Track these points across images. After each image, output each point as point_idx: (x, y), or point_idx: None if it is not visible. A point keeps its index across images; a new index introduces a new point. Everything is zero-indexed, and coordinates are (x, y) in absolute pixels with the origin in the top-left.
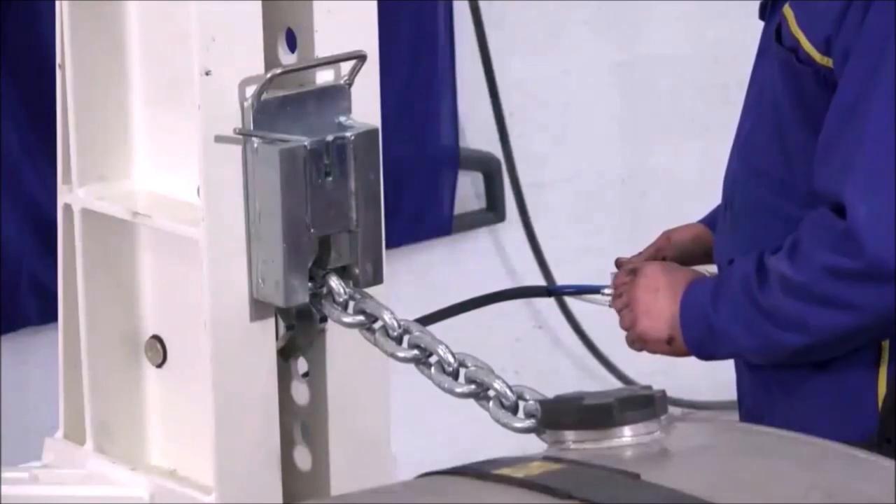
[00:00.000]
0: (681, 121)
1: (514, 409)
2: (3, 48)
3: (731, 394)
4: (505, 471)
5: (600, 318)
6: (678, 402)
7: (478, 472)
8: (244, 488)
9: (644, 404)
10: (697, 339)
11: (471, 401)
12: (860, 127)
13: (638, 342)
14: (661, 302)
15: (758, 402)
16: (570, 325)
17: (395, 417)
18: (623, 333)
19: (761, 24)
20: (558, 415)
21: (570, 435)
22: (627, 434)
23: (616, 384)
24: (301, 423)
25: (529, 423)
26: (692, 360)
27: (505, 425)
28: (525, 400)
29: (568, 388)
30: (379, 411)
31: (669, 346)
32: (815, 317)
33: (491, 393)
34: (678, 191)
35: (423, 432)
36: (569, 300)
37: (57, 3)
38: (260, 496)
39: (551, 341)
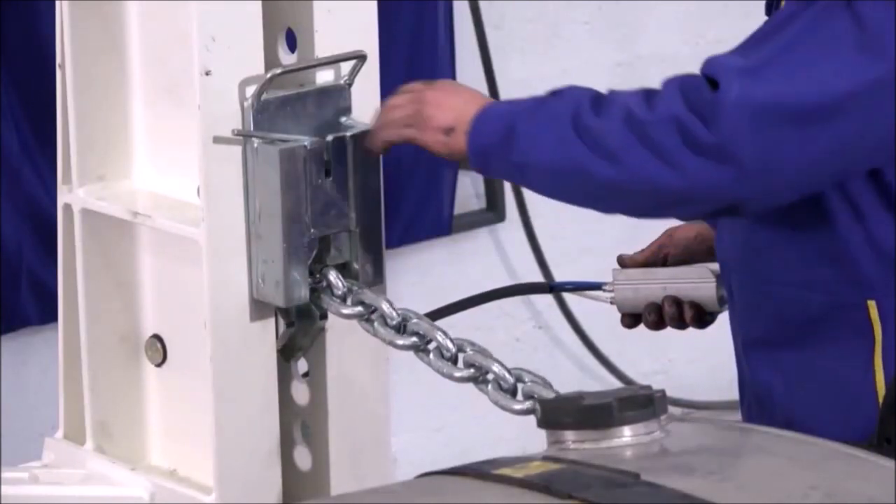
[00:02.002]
0: None
1: (512, 392)
2: (3, 48)
3: (731, 394)
4: (504, 471)
5: (600, 318)
6: (678, 402)
7: (477, 471)
8: (244, 488)
9: (644, 404)
10: (486, 140)
11: (470, 401)
12: (776, 34)
13: (407, 127)
14: (456, 98)
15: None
16: (570, 325)
17: (395, 417)
18: (622, 333)
19: (761, 23)
20: (558, 414)
21: (569, 435)
22: (627, 434)
23: (616, 384)
24: (301, 423)
25: (528, 404)
26: (692, 360)
27: (504, 408)
28: (523, 382)
29: (568, 388)
30: (379, 411)
31: (444, 137)
32: (637, 158)
33: (490, 376)
34: None
35: (423, 432)
36: (569, 300)
37: (57, 3)
38: (260, 496)
39: (551, 341)
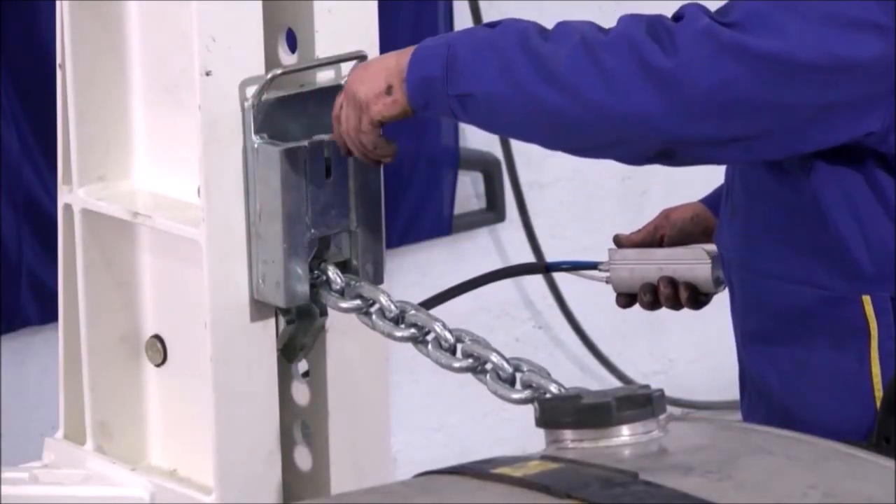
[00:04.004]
0: None
1: (511, 382)
2: (3, 48)
3: (731, 394)
4: (503, 470)
5: (600, 318)
6: (678, 402)
7: (476, 471)
8: (244, 488)
9: (642, 404)
10: (425, 73)
11: (470, 401)
12: None
13: (359, 118)
14: (375, 65)
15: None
16: (570, 325)
17: (395, 417)
18: (622, 333)
19: None
20: (556, 414)
21: (568, 434)
22: (626, 433)
23: (616, 384)
24: (301, 423)
25: (526, 394)
26: (692, 360)
27: (502, 397)
28: (522, 372)
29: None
30: (379, 411)
31: (388, 97)
32: (582, 80)
33: (488, 366)
34: (678, 190)
35: (423, 432)
36: (569, 300)
37: (57, 3)
38: (260, 496)
39: (551, 341)
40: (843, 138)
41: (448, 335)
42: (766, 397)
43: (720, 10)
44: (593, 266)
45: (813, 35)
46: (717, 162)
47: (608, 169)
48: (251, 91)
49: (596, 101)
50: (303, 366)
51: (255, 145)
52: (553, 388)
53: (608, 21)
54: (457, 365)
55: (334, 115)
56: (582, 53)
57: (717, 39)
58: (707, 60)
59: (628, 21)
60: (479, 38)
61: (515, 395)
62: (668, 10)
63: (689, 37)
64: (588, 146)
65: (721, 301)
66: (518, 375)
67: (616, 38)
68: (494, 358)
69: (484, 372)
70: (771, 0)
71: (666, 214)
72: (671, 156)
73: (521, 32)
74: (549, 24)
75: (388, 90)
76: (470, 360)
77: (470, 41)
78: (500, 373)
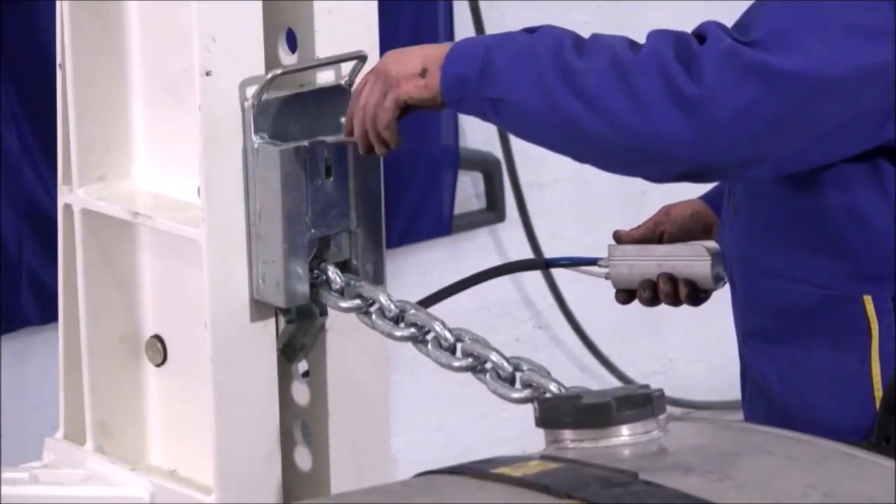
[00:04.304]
0: None
1: (510, 381)
2: (3, 48)
3: (731, 394)
4: (503, 470)
5: (600, 318)
6: (678, 402)
7: (476, 471)
8: (244, 488)
9: (642, 403)
10: (461, 71)
11: (470, 401)
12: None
13: (383, 94)
14: (415, 49)
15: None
16: (570, 325)
17: (395, 417)
18: (622, 333)
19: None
20: (556, 414)
21: (567, 434)
22: (625, 433)
23: (616, 384)
24: (301, 423)
25: (526, 393)
26: (692, 360)
27: (502, 396)
28: (521, 371)
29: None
30: (379, 411)
31: (421, 80)
32: (614, 100)
33: (488, 365)
34: (678, 190)
35: (423, 432)
36: (569, 301)
37: (57, 3)
38: (260, 496)
39: (551, 341)
40: (865, 146)
41: (448, 334)
42: (766, 396)
43: (740, 28)
44: (593, 262)
45: (834, 48)
46: (746, 180)
47: None
48: (251, 91)
49: (624, 122)
50: (303, 366)
51: (255, 145)
52: (553, 388)
53: (608, 22)
54: (456, 364)
55: (355, 90)
56: (612, 72)
57: (740, 61)
58: (731, 84)
59: (657, 39)
60: (516, 45)
61: (515, 395)
62: (669, 10)
63: (713, 60)
64: (615, 164)
65: (721, 300)
66: (518, 375)
67: (645, 58)
68: (494, 357)
69: (484, 371)
70: (789, 14)
71: (666, 211)
72: (700, 176)
73: (556, 43)
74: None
75: (423, 73)
76: (470, 360)
77: (507, 46)
78: (500, 372)
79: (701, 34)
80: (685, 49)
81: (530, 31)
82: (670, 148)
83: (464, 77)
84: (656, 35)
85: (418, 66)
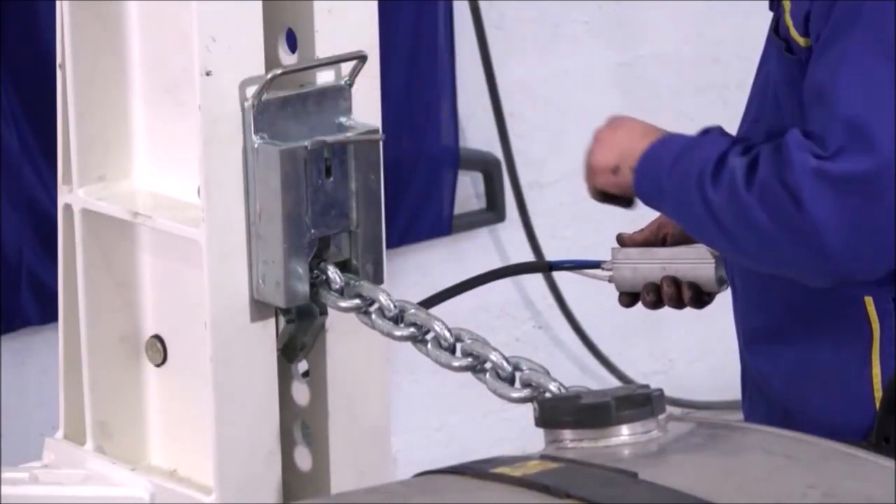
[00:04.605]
0: (681, 121)
1: (510, 380)
2: (3, 48)
3: (731, 394)
4: (502, 469)
5: (600, 318)
6: (678, 402)
7: (475, 470)
8: (244, 488)
9: (642, 403)
10: (645, 191)
11: (470, 401)
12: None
13: (587, 177)
14: (619, 136)
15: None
16: (570, 325)
17: (395, 417)
18: (622, 333)
19: (761, 23)
20: (556, 413)
21: (567, 434)
22: (625, 433)
23: (616, 384)
24: (301, 423)
25: (526, 392)
26: (692, 360)
27: (502, 396)
28: (521, 371)
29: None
30: (379, 411)
31: (614, 177)
32: (742, 235)
33: (488, 365)
34: None
35: (423, 432)
36: (569, 301)
37: (57, 3)
38: (260, 496)
39: (551, 341)
40: None
41: (447, 334)
42: (766, 396)
43: (816, 136)
44: (596, 265)
45: None
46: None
47: None
48: (251, 91)
49: (754, 256)
50: (303, 366)
51: (255, 145)
52: (552, 387)
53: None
54: (456, 364)
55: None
56: (736, 209)
57: (831, 180)
58: (831, 207)
59: (767, 170)
60: (680, 169)
61: (515, 394)
62: (669, 10)
63: (808, 187)
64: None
65: (722, 301)
66: (517, 374)
67: (760, 193)
68: (494, 357)
69: (483, 371)
70: (854, 111)
71: None
72: (847, 286)
73: (700, 171)
74: (549, 25)
75: (615, 170)
76: (469, 359)
77: (676, 168)
78: (500, 371)
79: (785, 155)
80: (785, 177)
81: (697, 142)
82: (801, 276)
83: (645, 194)
84: (766, 161)
85: (612, 162)
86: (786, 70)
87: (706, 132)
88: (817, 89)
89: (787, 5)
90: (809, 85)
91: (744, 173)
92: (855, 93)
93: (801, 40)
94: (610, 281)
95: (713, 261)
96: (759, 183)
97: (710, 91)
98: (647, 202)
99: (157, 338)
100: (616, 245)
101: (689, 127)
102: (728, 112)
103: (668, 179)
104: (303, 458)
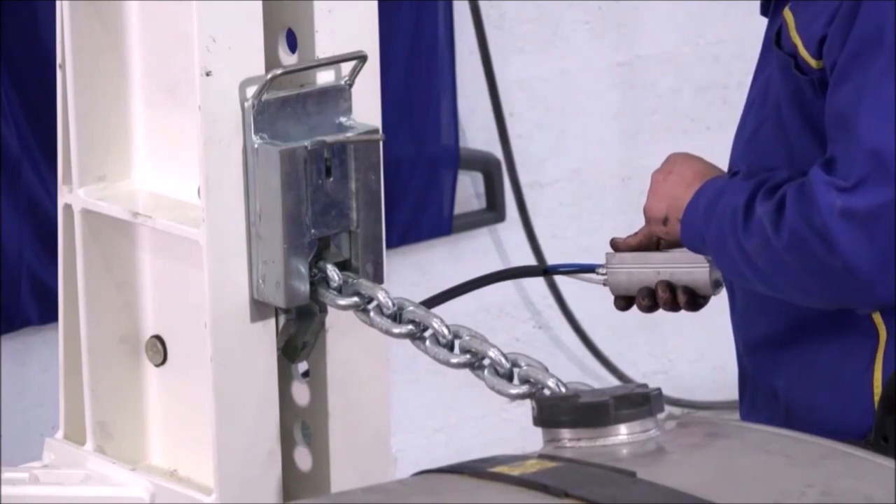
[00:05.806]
0: (681, 120)
1: (509, 377)
2: (3, 48)
3: (731, 394)
4: (501, 469)
5: (600, 319)
6: (678, 402)
7: (474, 470)
8: (244, 488)
9: (640, 402)
10: (690, 241)
11: (470, 401)
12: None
13: (645, 220)
14: (669, 184)
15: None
16: (570, 325)
17: (395, 417)
18: (622, 333)
19: (761, 23)
20: (554, 413)
21: (566, 433)
22: (623, 432)
23: (616, 384)
24: (301, 423)
25: (524, 389)
26: (692, 360)
27: (500, 392)
28: (520, 367)
29: None
30: (379, 411)
31: (665, 227)
32: (778, 280)
33: (486, 362)
34: None
35: (423, 432)
36: (569, 301)
37: (57, 3)
38: (260, 496)
39: (551, 341)
40: None
41: (445, 331)
42: (770, 401)
43: (838, 170)
44: (591, 269)
45: None
46: None
47: (608, 169)
48: (251, 91)
49: (795, 296)
50: (303, 366)
51: (255, 145)
52: (551, 383)
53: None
54: (454, 360)
55: None
56: (769, 256)
57: (859, 219)
58: (861, 244)
59: (794, 215)
60: (716, 218)
61: (513, 391)
62: (669, 10)
63: (837, 229)
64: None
65: (721, 301)
66: (516, 370)
67: (790, 239)
68: (492, 353)
69: (482, 367)
70: (877, 140)
71: None
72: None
73: (733, 220)
74: (549, 25)
75: (665, 221)
76: (468, 356)
77: (712, 219)
78: (498, 368)
79: (809, 194)
80: (814, 221)
81: (727, 188)
82: (843, 306)
83: (693, 247)
84: (791, 207)
85: (663, 212)
86: (791, 85)
87: (733, 173)
88: (839, 116)
89: (790, 19)
90: (831, 110)
91: (772, 220)
92: (878, 122)
93: (812, 62)
94: (605, 285)
95: (707, 265)
96: (787, 228)
97: (710, 91)
98: (697, 252)
99: (157, 338)
100: (610, 250)
101: (689, 127)
102: (728, 112)
103: (707, 230)
104: (303, 458)
